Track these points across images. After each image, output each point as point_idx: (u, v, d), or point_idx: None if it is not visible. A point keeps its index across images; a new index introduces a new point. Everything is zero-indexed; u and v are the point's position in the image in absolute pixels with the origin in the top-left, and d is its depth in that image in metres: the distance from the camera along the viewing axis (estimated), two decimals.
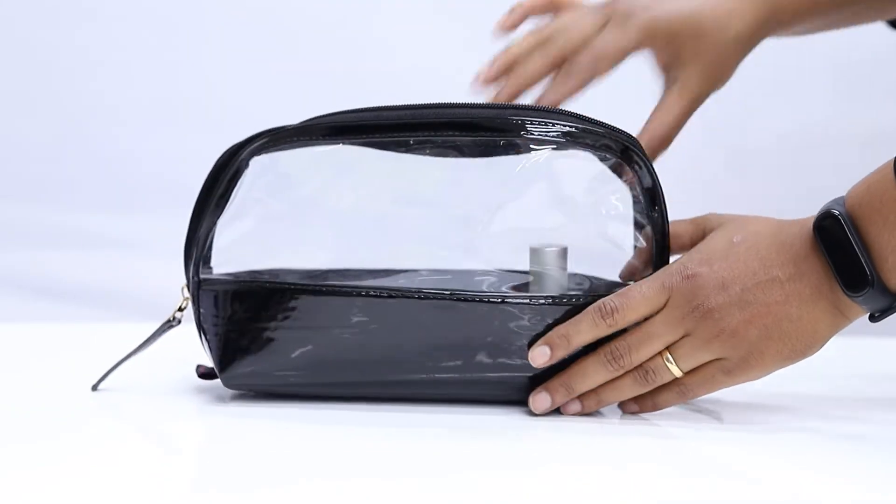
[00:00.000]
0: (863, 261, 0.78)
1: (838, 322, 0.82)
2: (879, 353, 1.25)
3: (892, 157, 0.79)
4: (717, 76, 1.04)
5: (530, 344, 0.85)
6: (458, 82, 1.69)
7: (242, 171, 0.88)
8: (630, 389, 0.85)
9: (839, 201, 0.81)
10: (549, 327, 0.85)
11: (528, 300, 0.85)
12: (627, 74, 1.74)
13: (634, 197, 0.87)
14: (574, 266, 0.89)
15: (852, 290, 0.79)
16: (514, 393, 0.87)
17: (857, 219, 0.79)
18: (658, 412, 0.87)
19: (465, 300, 0.85)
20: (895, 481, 0.73)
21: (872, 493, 0.71)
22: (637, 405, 0.87)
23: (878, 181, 0.79)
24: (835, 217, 0.80)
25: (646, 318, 0.84)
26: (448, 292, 0.86)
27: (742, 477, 0.74)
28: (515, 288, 0.88)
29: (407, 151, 0.90)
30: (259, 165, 0.88)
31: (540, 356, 0.85)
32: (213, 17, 1.75)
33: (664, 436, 0.83)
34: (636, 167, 0.86)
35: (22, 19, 1.72)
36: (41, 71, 1.73)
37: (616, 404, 0.91)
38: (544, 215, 0.90)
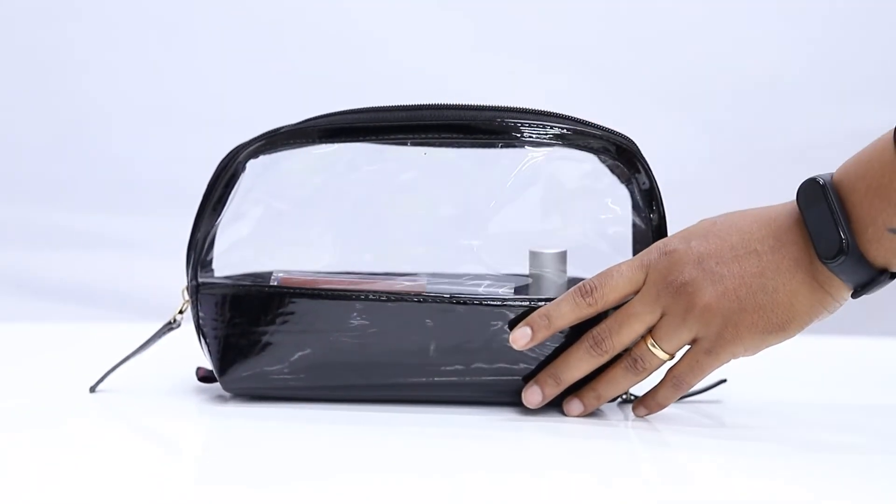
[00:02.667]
0: (838, 225, 0.77)
1: (819, 297, 0.80)
2: (887, 355, 1.25)
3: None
4: None
5: (511, 327, 0.85)
6: (456, 82, 1.69)
7: (239, 175, 0.88)
8: (624, 380, 0.85)
9: (829, 173, 0.80)
10: None
11: (527, 303, 0.85)
12: (626, 75, 1.74)
13: (632, 199, 0.87)
14: (572, 268, 0.89)
15: (827, 258, 0.78)
16: (514, 395, 0.87)
17: (841, 187, 0.78)
18: (659, 416, 0.87)
19: (465, 303, 0.85)
20: (892, 494, 0.72)
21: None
22: (644, 407, 0.87)
23: (868, 152, 0.78)
24: (816, 182, 0.79)
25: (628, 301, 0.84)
26: (447, 295, 0.86)
27: (732, 486, 0.74)
28: (515, 291, 0.88)
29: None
30: (256, 168, 0.88)
31: (521, 337, 0.84)
32: (213, 18, 1.74)
33: (659, 439, 0.83)
34: (634, 169, 0.86)
35: (22, 19, 1.72)
36: (41, 71, 1.73)
37: (618, 406, 0.91)
38: (542, 218, 0.90)
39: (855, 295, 0.80)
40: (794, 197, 0.81)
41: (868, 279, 0.78)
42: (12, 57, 1.72)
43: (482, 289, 0.88)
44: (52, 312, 1.64)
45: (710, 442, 0.83)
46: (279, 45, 1.74)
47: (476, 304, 0.86)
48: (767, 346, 0.82)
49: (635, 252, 0.88)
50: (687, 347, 0.84)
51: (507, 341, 0.85)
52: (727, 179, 1.69)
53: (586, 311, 0.84)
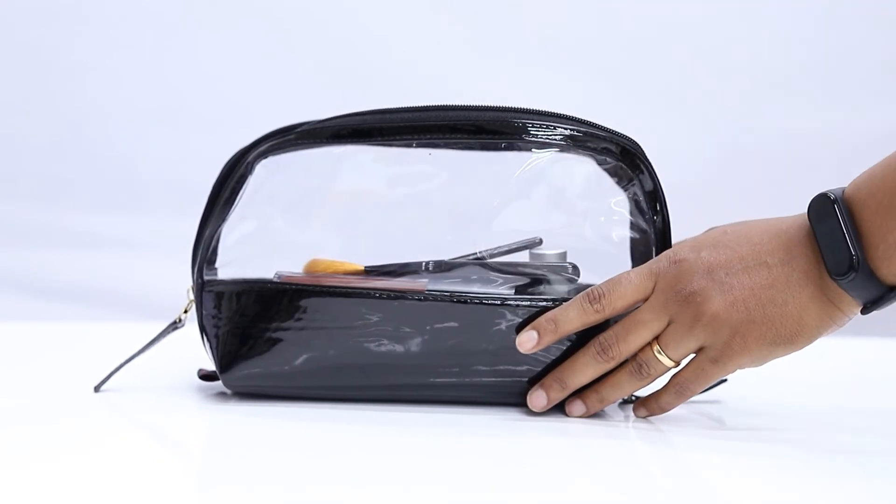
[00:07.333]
0: (849, 242, 0.77)
1: (829, 311, 0.80)
2: (887, 355, 1.25)
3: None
4: None
5: (518, 330, 0.85)
6: (459, 82, 1.69)
7: (248, 175, 0.88)
8: (629, 384, 0.85)
9: (841, 188, 0.80)
10: None
11: (527, 302, 0.86)
12: (628, 76, 1.74)
13: (635, 200, 0.87)
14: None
15: (837, 274, 0.78)
16: (514, 396, 0.87)
17: (853, 203, 0.78)
18: (660, 416, 0.87)
19: (465, 302, 0.86)
20: (892, 494, 0.72)
21: None
22: (645, 409, 0.87)
23: (880, 168, 0.78)
24: (827, 197, 0.79)
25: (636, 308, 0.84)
26: (448, 294, 0.86)
27: (730, 488, 0.74)
28: (516, 290, 0.88)
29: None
30: (265, 169, 0.88)
31: (527, 341, 0.84)
32: (214, 18, 1.75)
33: (661, 439, 0.83)
34: (637, 170, 0.86)
35: (22, 19, 1.72)
36: (41, 71, 1.73)
37: (619, 406, 0.91)
38: (544, 218, 0.90)
39: (864, 311, 0.80)
40: (805, 209, 0.81)
41: (878, 296, 0.78)
42: (13, 57, 1.72)
43: (482, 288, 0.88)
44: (52, 312, 1.64)
45: (712, 442, 0.83)
46: (282, 45, 1.74)
47: (476, 303, 0.86)
48: (774, 358, 0.82)
49: (635, 254, 0.88)
50: (693, 355, 0.84)
51: (509, 341, 0.85)
52: (729, 181, 1.69)
53: (593, 318, 0.84)
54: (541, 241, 0.89)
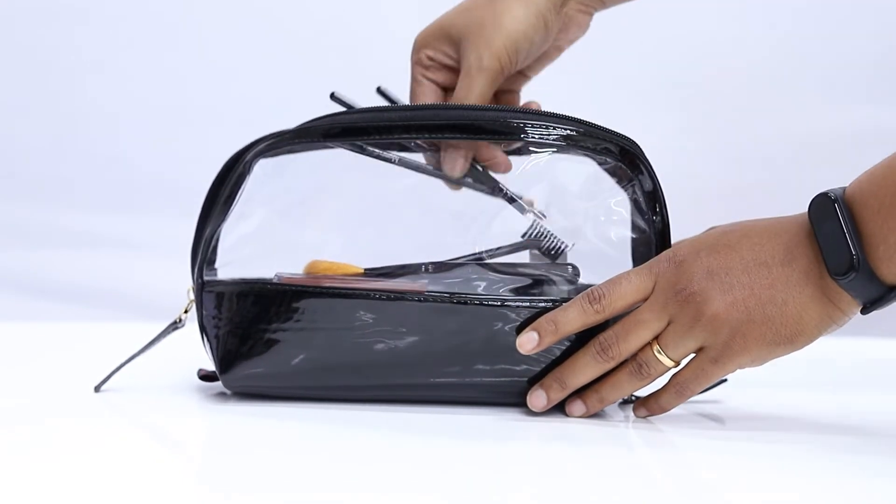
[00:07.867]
0: (849, 242, 0.77)
1: (829, 311, 0.80)
2: (887, 355, 1.25)
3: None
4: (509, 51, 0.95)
5: (518, 330, 0.85)
6: None
7: (246, 175, 0.88)
8: (628, 385, 0.85)
9: (842, 187, 0.80)
10: None
11: (527, 303, 0.86)
12: (628, 76, 1.74)
13: (635, 200, 0.87)
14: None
15: (838, 273, 0.78)
16: (515, 396, 0.87)
17: (853, 203, 0.78)
18: (660, 416, 0.87)
19: (465, 303, 0.86)
20: (893, 493, 0.72)
21: None
22: (645, 409, 0.87)
23: (881, 168, 0.78)
24: (828, 197, 0.79)
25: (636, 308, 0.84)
26: (448, 295, 0.86)
27: (733, 488, 0.74)
28: (516, 291, 0.88)
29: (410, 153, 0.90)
30: (262, 168, 0.88)
31: (528, 342, 0.84)
32: (214, 19, 1.75)
33: (663, 439, 0.83)
34: (637, 171, 0.86)
35: (23, 19, 1.72)
36: (42, 71, 1.73)
37: (619, 406, 0.91)
38: (544, 218, 0.90)
39: (864, 311, 0.80)
40: (805, 209, 0.81)
41: (878, 296, 0.78)
42: (13, 57, 1.73)
43: (482, 289, 0.88)
44: (52, 312, 1.64)
45: (712, 442, 0.83)
46: (282, 45, 1.74)
47: (476, 304, 0.86)
48: (774, 358, 0.82)
49: (635, 254, 0.88)
50: (693, 355, 0.84)
51: (508, 342, 0.85)
52: (729, 181, 1.69)
53: (593, 318, 0.84)
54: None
